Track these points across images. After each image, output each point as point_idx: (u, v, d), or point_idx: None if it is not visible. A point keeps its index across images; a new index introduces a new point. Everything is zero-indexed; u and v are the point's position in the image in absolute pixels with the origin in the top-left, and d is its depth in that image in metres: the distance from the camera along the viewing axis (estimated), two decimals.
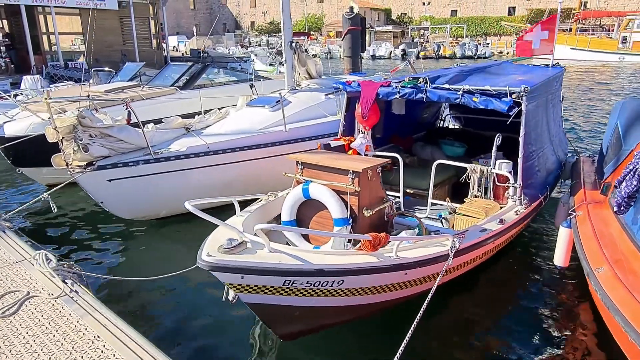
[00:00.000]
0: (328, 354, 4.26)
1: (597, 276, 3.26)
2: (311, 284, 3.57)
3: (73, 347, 3.39)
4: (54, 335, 3.53)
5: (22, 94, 10.69)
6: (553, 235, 5.99)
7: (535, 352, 4.11)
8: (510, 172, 5.20)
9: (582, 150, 9.88)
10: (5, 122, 7.88)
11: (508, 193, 5.20)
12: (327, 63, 17.38)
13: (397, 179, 5.52)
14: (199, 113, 8.44)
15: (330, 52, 40.95)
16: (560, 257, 4.65)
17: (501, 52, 45.65)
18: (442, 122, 9.07)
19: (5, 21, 21.03)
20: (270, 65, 23.08)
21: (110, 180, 5.94)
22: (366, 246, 3.60)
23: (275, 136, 7.11)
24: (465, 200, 5.28)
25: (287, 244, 4.70)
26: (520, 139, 5.16)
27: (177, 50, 44.78)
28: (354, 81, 6.21)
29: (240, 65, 13.60)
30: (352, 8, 15.66)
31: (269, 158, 7.05)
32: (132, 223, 6.82)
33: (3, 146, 7.38)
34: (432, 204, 5.38)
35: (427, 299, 3.31)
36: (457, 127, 9.03)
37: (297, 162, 4.71)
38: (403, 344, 2.83)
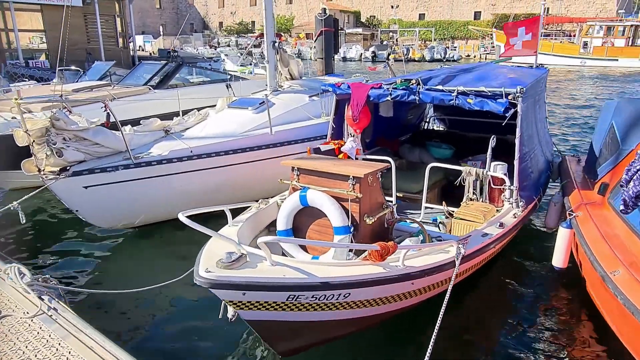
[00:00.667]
0: None
1: (615, 280, 3.19)
2: (316, 298, 3.36)
3: None
4: None
5: None
6: (545, 235, 5.97)
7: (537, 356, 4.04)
8: (505, 175, 5.14)
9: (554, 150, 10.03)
10: None
11: (504, 196, 5.13)
12: None
13: (388, 183, 5.37)
14: (174, 113, 8.11)
15: (300, 54, 40.77)
16: (559, 259, 4.60)
17: (468, 56, 46.66)
18: (426, 124, 9.02)
19: None
20: (241, 65, 22.69)
21: (86, 187, 5.54)
22: (374, 256, 3.42)
23: (260, 139, 6.85)
24: (462, 203, 5.19)
25: (283, 254, 4.47)
26: (516, 141, 5.11)
27: (143, 50, 43.60)
28: (343, 83, 6.04)
29: (210, 65, 13.26)
30: (324, 9, 15.54)
31: (255, 162, 6.78)
32: (110, 232, 6.42)
33: None
34: (425, 208, 5.26)
35: (443, 308, 3.16)
36: (442, 129, 9.00)
37: (293, 168, 4.48)
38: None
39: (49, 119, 5.02)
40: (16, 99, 4.61)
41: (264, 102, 7.53)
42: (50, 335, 3.43)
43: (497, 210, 5.02)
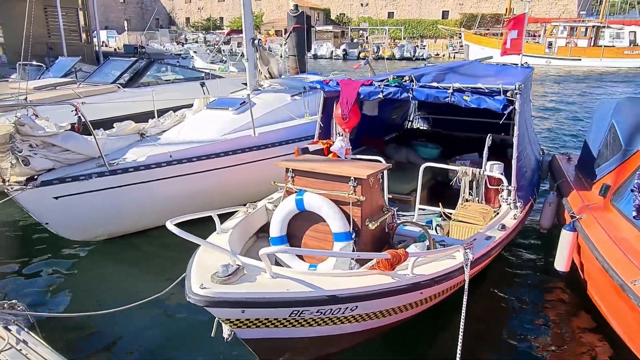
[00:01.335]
0: None
1: (635, 289, 3.05)
2: (322, 313, 3.09)
3: None
4: None
5: None
6: (540, 236, 5.87)
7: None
8: (502, 174, 5.00)
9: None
10: None
11: (502, 196, 4.99)
12: None
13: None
14: (147, 114, 7.65)
15: (270, 51, 40.18)
16: (562, 262, 4.46)
17: (437, 54, 47.17)
18: (410, 123, 8.87)
19: None
20: (211, 62, 22.07)
21: (57, 198, 5.06)
22: (384, 266, 3.16)
23: (244, 141, 6.50)
24: (458, 204, 5.02)
25: (276, 262, 4.17)
26: (514, 140, 4.98)
27: (107, 46, 42.01)
28: (331, 80, 5.79)
29: (178, 62, 12.76)
30: (296, 6, 15.22)
31: (239, 166, 6.43)
32: (84, 245, 5.91)
33: None
34: (419, 210, 5.08)
35: (462, 319, 2.97)
36: (426, 128, 8.87)
37: (288, 169, 4.16)
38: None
39: (13, 124, 4.52)
40: None
41: (245, 102, 7.19)
42: None
43: (495, 212, 4.88)
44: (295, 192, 4.06)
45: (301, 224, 4.12)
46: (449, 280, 3.58)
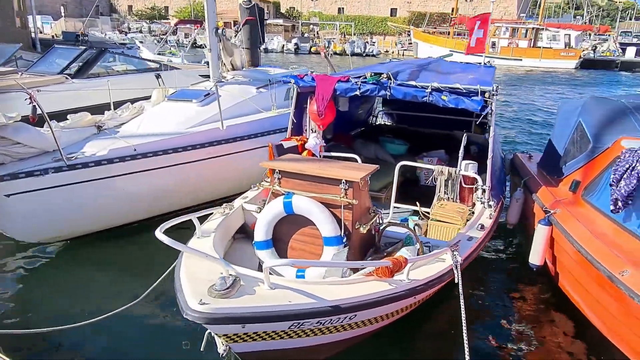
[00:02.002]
0: None
1: (625, 280, 3.16)
2: (321, 323, 2.99)
3: None
4: None
5: None
6: (506, 231, 6.02)
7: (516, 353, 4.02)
8: (476, 173, 5.08)
9: None
10: None
11: (477, 195, 5.07)
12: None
13: None
14: (99, 106, 7.16)
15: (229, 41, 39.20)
16: (537, 256, 4.59)
17: (387, 51, 48.01)
18: (374, 118, 8.88)
19: None
20: (159, 54, 21.15)
21: (8, 196, 4.59)
22: (384, 273, 3.09)
23: (211, 135, 6.22)
24: (435, 203, 5.04)
25: (260, 266, 4.00)
26: (490, 140, 5.07)
27: (41, 32, 39.28)
28: (306, 75, 5.65)
29: (123, 52, 12.15)
30: None
31: (206, 160, 6.15)
32: (39, 248, 5.40)
33: None
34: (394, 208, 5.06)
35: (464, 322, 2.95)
36: (391, 123, 8.92)
37: (274, 170, 3.99)
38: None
39: None
40: None
41: (209, 93, 6.90)
42: None
43: (471, 211, 4.94)
44: (283, 194, 3.91)
45: (287, 228, 3.98)
46: (440, 283, 3.58)
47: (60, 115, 6.04)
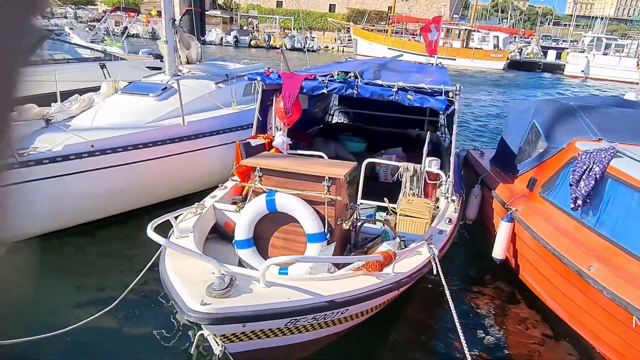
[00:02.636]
0: None
1: (592, 274, 3.44)
2: (316, 319, 3.04)
3: None
4: None
5: None
6: (466, 226, 6.32)
7: (487, 349, 4.22)
8: (439, 169, 5.32)
9: None
10: None
11: (440, 191, 5.31)
12: (152, 45, 15.85)
13: None
14: (41, 97, 6.59)
15: (154, 33, 37.65)
16: (500, 251, 4.90)
17: (327, 47, 48.39)
18: (331, 117, 8.98)
19: None
20: (91, 42, 19.92)
21: None
22: (374, 267, 3.19)
23: (172, 131, 6.01)
24: (401, 199, 5.22)
25: (240, 263, 3.98)
26: (453, 137, 5.32)
27: None
28: (272, 72, 5.61)
29: (53, 40, 11.33)
30: None
31: (167, 157, 5.94)
32: None
33: None
34: (360, 204, 5.18)
35: (454, 313, 3.08)
36: (347, 122, 9.06)
37: (255, 168, 3.96)
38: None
39: None
40: None
41: (166, 87, 6.65)
42: None
43: (436, 206, 5.17)
44: (265, 192, 3.89)
45: (268, 226, 3.98)
46: (420, 274, 3.74)
47: None
